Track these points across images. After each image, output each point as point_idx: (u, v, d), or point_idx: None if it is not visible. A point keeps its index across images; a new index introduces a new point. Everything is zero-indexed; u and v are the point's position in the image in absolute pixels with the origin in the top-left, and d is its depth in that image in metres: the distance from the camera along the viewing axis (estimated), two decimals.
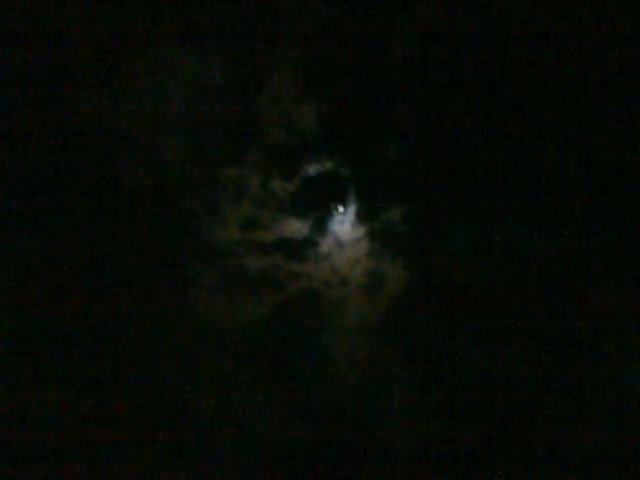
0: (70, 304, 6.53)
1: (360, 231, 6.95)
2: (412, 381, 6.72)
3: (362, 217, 6.93)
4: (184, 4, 6.65)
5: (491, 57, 6.76)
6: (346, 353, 6.82)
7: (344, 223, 6.95)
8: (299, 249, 6.92)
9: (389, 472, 6.57)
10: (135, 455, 6.47)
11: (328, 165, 6.93)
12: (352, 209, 6.95)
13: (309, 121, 6.86)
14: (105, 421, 6.51)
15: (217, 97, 6.80)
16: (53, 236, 6.58)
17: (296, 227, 6.94)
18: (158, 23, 6.65)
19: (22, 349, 6.52)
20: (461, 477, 6.50)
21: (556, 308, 6.68)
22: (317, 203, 6.93)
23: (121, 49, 6.65)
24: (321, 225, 6.94)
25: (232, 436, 6.59)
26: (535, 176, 6.79)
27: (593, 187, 6.70)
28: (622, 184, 6.66)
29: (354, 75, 6.85)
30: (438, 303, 6.80)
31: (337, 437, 6.63)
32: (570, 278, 6.69)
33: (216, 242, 6.82)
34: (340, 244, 6.95)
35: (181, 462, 6.52)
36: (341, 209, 6.92)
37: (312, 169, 6.94)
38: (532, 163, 6.79)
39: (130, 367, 6.56)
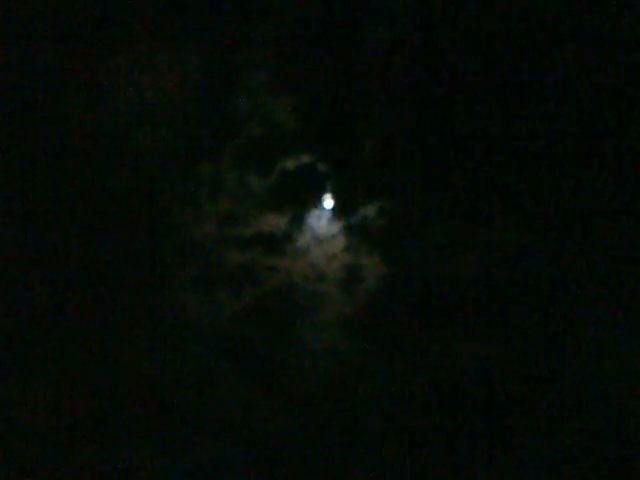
0: (46, 302, 6.54)
1: (338, 226, 6.97)
2: (392, 374, 6.74)
3: (340, 212, 6.95)
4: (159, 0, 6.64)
5: (471, 51, 6.75)
6: (325, 347, 6.84)
7: (322, 218, 6.97)
8: (277, 244, 6.93)
9: (372, 465, 6.60)
10: (115, 451, 6.49)
11: (305, 160, 6.94)
12: (330, 204, 6.98)
13: (286, 116, 6.87)
14: (83, 418, 6.53)
15: (193, 92, 6.79)
16: (27, 234, 6.58)
17: (274, 222, 6.94)
18: (133, 19, 6.62)
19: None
20: (444, 470, 6.55)
21: (538, 302, 6.70)
22: (294, 198, 6.94)
23: (95, 46, 6.63)
24: (299, 220, 6.96)
25: (214, 431, 6.61)
26: (516, 169, 6.79)
27: (576, 182, 6.70)
28: (605, 179, 6.67)
29: (331, 70, 6.84)
30: (416, 297, 6.82)
31: (319, 430, 6.66)
32: (552, 272, 6.70)
33: (194, 238, 6.83)
34: (318, 239, 6.97)
35: (162, 457, 6.54)
36: (326, 205, 6.95)
37: (289, 164, 6.95)
38: (512, 156, 6.79)
39: (108, 363, 6.57)
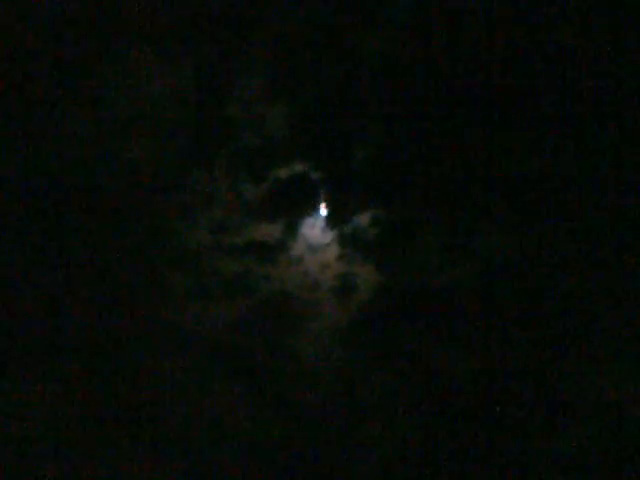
0: (38, 310, 6.50)
1: (331, 235, 6.97)
2: (386, 382, 6.74)
3: (333, 220, 6.95)
4: (152, 7, 6.62)
5: (465, 62, 6.77)
6: (320, 355, 6.84)
7: (315, 227, 6.98)
8: (271, 253, 6.92)
9: (368, 472, 6.60)
10: (109, 461, 6.44)
11: (299, 168, 6.95)
12: (323, 212, 7.00)
13: (279, 124, 6.87)
14: (77, 425, 6.48)
15: (186, 101, 6.79)
16: (19, 240, 6.55)
17: (267, 231, 6.94)
18: (127, 28, 6.61)
19: None
20: (442, 476, 6.55)
21: (533, 311, 6.72)
22: (288, 207, 6.94)
23: (88, 53, 6.61)
24: (292, 229, 6.96)
25: (207, 439, 6.58)
26: (510, 178, 6.81)
27: (568, 189, 6.74)
28: (603, 184, 6.70)
29: (325, 79, 6.86)
30: (410, 305, 6.82)
31: (314, 438, 6.65)
32: (547, 280, 6.72)
33: (187, 246, 6.81)
34: (312, 248, 6.97)
35: (157, 466, 6.50)
36: (320, 213, 6.96)
37: (283, 173, 6.95)
38: (506, 164, 6.82)
39: (102, 373, 6.54)
